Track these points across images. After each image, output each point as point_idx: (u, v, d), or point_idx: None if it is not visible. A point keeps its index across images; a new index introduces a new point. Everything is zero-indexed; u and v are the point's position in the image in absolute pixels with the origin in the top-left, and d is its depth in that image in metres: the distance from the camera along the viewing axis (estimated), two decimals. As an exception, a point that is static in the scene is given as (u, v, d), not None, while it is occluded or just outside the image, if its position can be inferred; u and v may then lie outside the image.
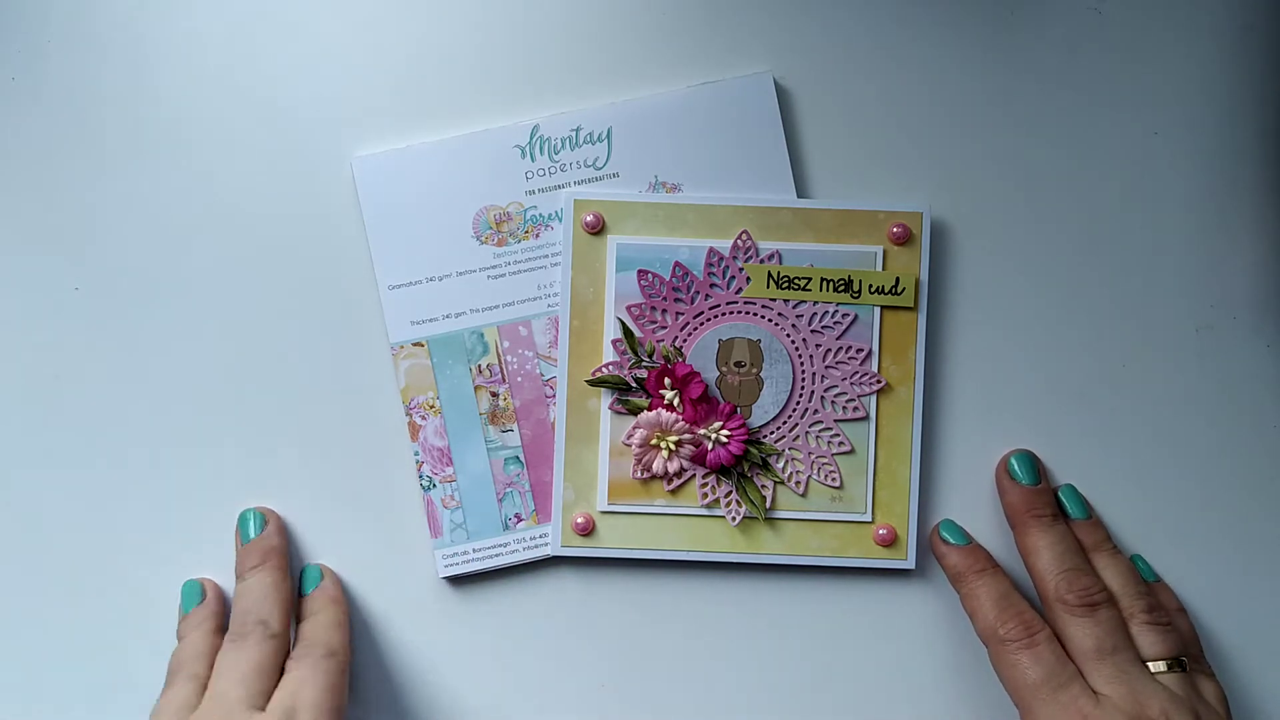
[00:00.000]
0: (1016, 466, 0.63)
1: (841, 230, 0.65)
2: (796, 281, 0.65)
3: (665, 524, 0.65)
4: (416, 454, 0.66)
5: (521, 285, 0.67)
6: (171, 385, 0.66)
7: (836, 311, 0.65)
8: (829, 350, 0.65)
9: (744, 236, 0.65)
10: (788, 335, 0.66)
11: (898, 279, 0.65)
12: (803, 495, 0.65)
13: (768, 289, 0.65)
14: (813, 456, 0.65)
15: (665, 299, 0.65)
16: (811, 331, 0.65)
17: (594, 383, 0.65)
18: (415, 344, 0.67)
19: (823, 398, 0.65)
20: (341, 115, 0.66)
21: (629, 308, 0.65)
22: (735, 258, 0.65)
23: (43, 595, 0.66)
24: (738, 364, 0.65)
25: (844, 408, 0.65)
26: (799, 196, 0.64)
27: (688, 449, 0.64)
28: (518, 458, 0.67)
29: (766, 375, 0.65)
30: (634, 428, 0.64)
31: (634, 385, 0.65)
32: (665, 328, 0.65)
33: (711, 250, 0.65)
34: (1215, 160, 0.66)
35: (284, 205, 0.66)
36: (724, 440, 0.64)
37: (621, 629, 0.66)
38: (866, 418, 0.66)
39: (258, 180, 0.66)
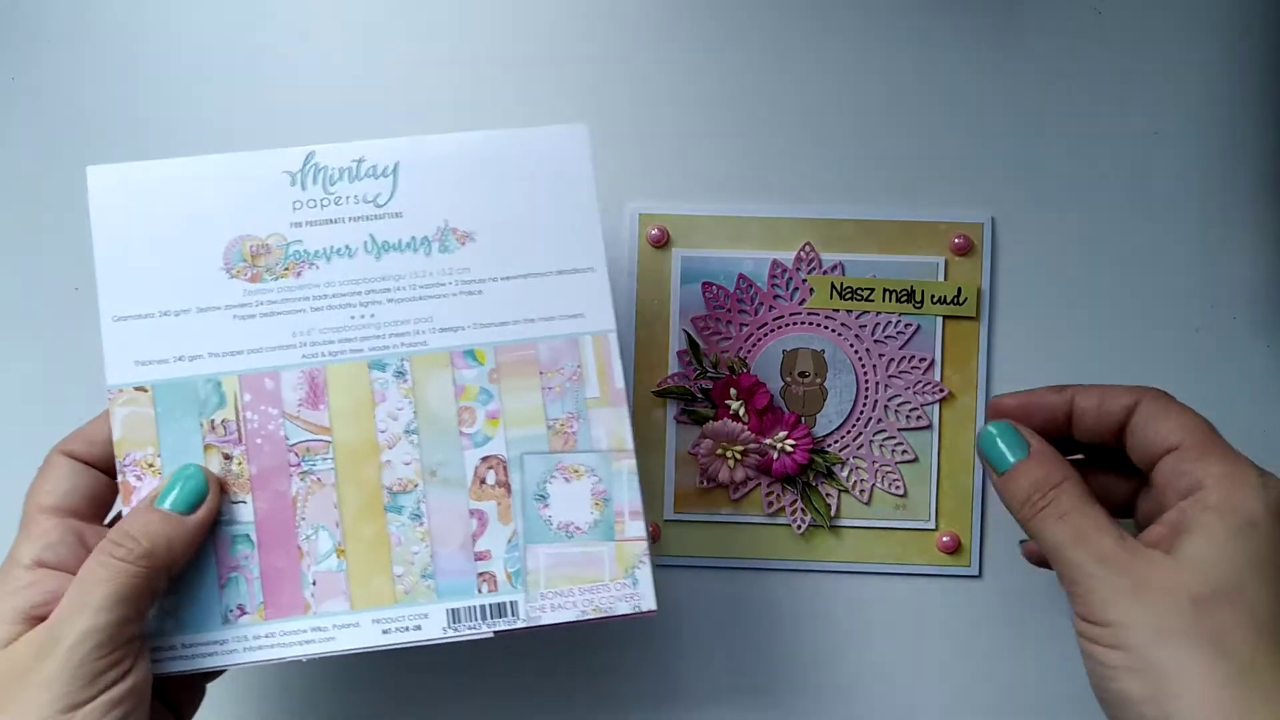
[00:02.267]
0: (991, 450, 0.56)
1: (904, 241, 0.67)
2: (859, 292, 0.67)
3: (730, 532, 0.66)
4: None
5: (274, 330, 0.57)
6: None
7: (899, 321, 0.67)
8: (892, 360, 0.67)
9: (807, 248, 0.67)
10: (851, 345, 0.67)
11: (959, 289, 0.67)
12: (867, 503, 0.67)
13: (831, 300, 0.66)
14: (876, 465, 0.67)
15: (730, 310, 0.67)
16: (875, 341, 0.67)
17: (660, 393, 0.67)
18: (138, 388, 0.57)
19: (886, 407, 0.67)
20: (346, 116, 0.68)
21: (694, 319, 0.67)
22: (799, 269, 0.66)
23: None
24: (802, 374, 0.67)
25: (907, 416, 0.67)
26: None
27: (753, 458, 0.66)
28: (249, 536, 0.56)
29: (830, 385, 0.67)
30: (700, 437, 0.66)
31: (699, 396, 0.67)
32: (730, 339, 0.67)
33: (775, 262, 0.66)
34: (1215, 160, 0.67)
35: None
36: (789, 449, 0.66)
37: (685, 634, 0.67)
38: (929, 426, 0.67)
39: None
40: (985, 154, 0.68)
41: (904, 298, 0.66)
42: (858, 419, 0.67)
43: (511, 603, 0.57)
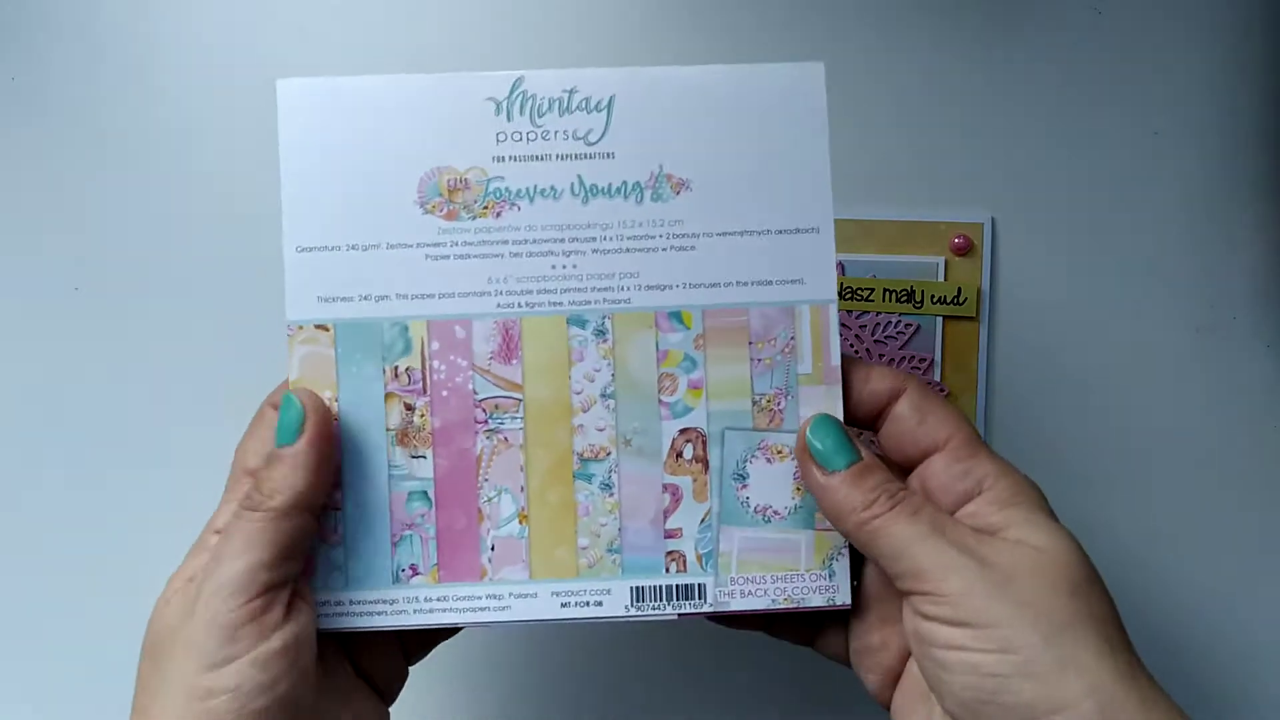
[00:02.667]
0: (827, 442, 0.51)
1: (904, 241, 0.66)
2: (860, 292, 0.67)
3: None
4: None
5: (468, 274, 0.53)
6: (171, 384, 0.67)
7: (899, 322, 0.66)
8: (892, 360, 0.66)
9: None
10: (851, 345, 0.66)
11: (959, 289, 0.66)
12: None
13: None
14: None
15: (734, 310, 0.59)
16: (875, 341, 0.67)
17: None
18: (319, 326, 0.53)
19: None
20: None
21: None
22: (801, 268, 0.57)
23: (42, 595, 0.67)
24: (803, 374, 0.62)
25: None
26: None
27: (756, 458, 0.59)
28: (426, 493, 0.53)
29: None
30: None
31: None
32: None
33: (778, 261, 0.58)
34: (1215, 160, 0.67)
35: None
36: (792, 449, 0.58)
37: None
38: None
39: (258, 180, 0.63)
40: (985, 154, 0.67)
41: (904, 298, 0.66)
42: None
43: (700, 585, 0.53)
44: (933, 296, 0.66)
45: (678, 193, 0.53)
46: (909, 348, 0.66)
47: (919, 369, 0.66)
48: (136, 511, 0.67)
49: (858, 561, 0.53)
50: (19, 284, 0.67)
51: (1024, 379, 0.67)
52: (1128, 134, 0.67)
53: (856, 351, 0.66)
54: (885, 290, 0.66)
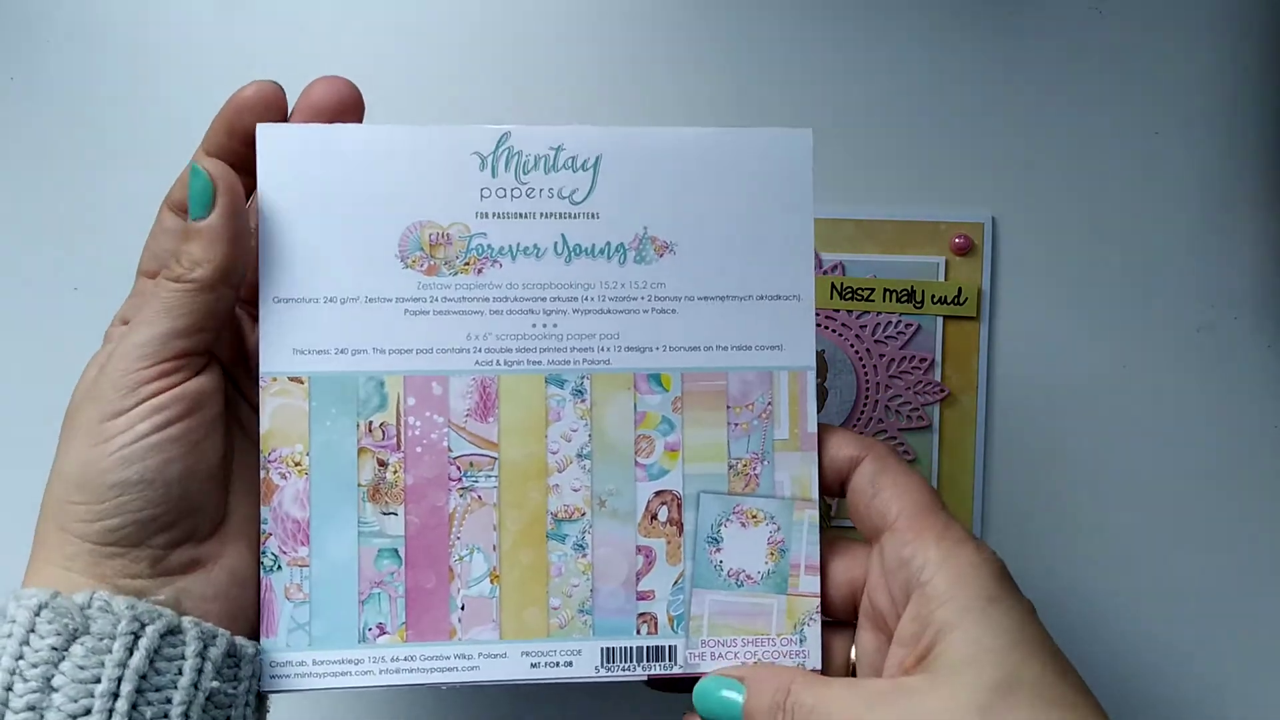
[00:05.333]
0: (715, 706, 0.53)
1: (904, 241, 0.66)
2: (860, 292, 0.66)
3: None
4: (265, 522, 0.51)
5: (447, 330, 0.53)
6: None
7: (899, 322, 0.66)
8: (892, 360, 0.66)
9: None
10: (851, 346, 0.66)
11: (960, 289, 0.66)
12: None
13: (831, 300, 0.63)
14: None
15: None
16: (875, 342, 0.66)
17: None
18: (293, 378, 0.52)
19: (886, 407, 0.66)
20: None
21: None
22: (800, 269, 0.58)
23: None
24: (803, 374, 0.62)
25: (908, 417, 0.66)
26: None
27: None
28: (396, 551, 0.52)
29: (831, 385, 0.66)
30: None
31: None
32: (733, 338, 0.60)
33: (777, 261, 0.58)
34: (1215, 160, 0.67)
35: None
36: (792, 450, 0.59)
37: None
38: (930, 426, 0.66)
39: None
40: (985, 154, 0.67)
41: (904, 298, 0.66)
42: (858, 419, 0.67)
43: (671, 647, 0.53)
44: (933, 296, 0.66)
45: (661, 255, 0.53)
46: (909, 348, 0.66)
47: (919, 369, 0.66)
48: None
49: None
50: (19, 284, 0.68)
51: (1024, 379, 0.67)
52: (1128, 134, 0.67)
53: (856, 351, 0.66)
54: (885, 290, 0.66)
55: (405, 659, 0.52)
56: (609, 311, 0.52)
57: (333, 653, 0.51)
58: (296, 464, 0.52)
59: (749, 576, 0.53)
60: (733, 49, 0.67)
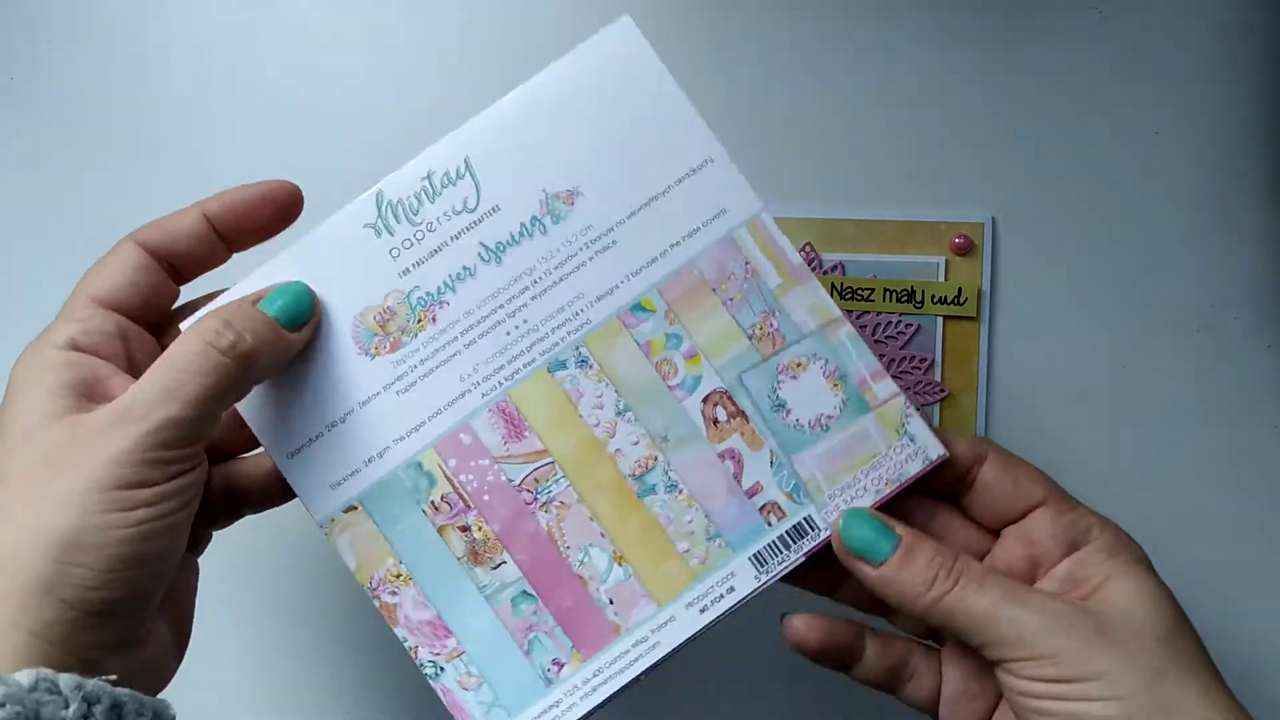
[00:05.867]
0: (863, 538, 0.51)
1: (904, 241, 0.66)
2: (860, 292, 0.67)
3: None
4: (405, 640, 0.52)
5: (441, 385, 0.53)
6: None
7: (900, 322, 0.66)
8: (892, 360, 0.66)
9: (807, 248, 0.66)
10: None
11: (960, 289, 0.66)
12: (870, 501, 0.59)
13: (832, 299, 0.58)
14: None
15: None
16: (875, 341, 0.66)
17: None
18: (347, 510, 0.53)
19: None
20: (345, 116, 0.68)
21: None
22: (801, 268, 0.58)
23: None
24: (804, 374, 0.63)
25: None
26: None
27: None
28: (525, 592, 0.53)
29: None
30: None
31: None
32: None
33: (778, 262, 0.58)
34: (1216, 160, 0.67)
35: None
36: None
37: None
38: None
39: (258, 179, 0.61)
40: (985, 154, 0.67)
41: (904, 298, 0.66)
42: None
43: (806, 518, 0.53)
44: (933, 296, 0.66)
45: (570, 204, 0.53)
46: (909, 348, 0.66)
47: (919, 369, 0.66)
48: None
49: None
50: (18, 284, 0.68)
51: (1024, 379, 0.67)
52: (1128, 134, 0.67)
53: None
54: (886, 290, 0.66)
55: (594, 675, 0.53)
56: (561, 280, 0.53)
57: (532, 709, 0.52)
58: (397, 576, 0.53)
59: (829, 417, 0.54)
60: (733, 49, 0.68)
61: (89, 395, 0.46)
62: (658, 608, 0.53)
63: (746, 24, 0.67)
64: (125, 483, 0.43)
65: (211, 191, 0.58)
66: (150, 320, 0.50)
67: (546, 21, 0.67)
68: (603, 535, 0.53)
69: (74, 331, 0.48)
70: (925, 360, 0.66)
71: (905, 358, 0.66)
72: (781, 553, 0.53)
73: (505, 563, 0.53)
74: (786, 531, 0.53)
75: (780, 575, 0.53)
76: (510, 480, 0.53)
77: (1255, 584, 0.66)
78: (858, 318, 0.66)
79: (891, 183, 0.67)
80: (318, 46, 0.67)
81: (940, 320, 0.66)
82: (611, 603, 0.52)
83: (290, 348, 0.50)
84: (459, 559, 0.53)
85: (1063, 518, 0.50)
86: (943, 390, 0.66)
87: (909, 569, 0.48)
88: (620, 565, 0.53)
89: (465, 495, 0.53)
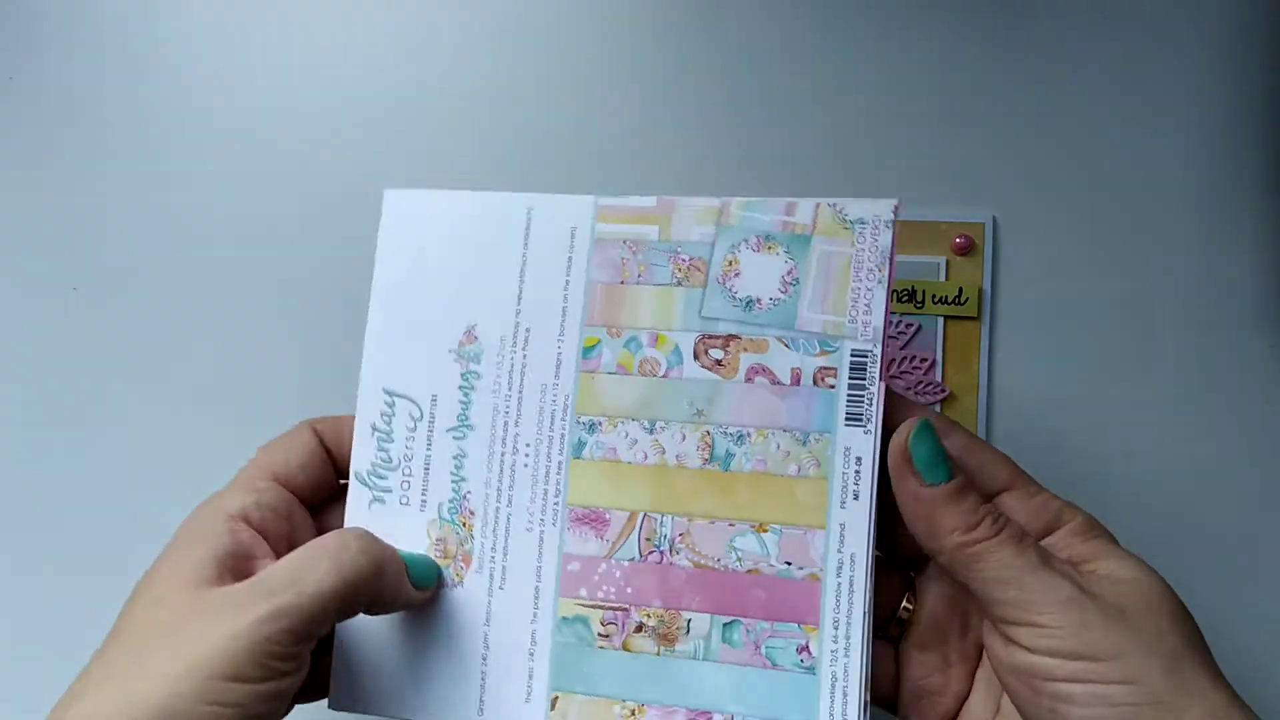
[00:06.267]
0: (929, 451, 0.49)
1: (904, 241, 0.65)
2: None
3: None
4: None
5: (521, 550, 0.56)
6: (170, 385, 0.68)
7: (900, 322, 0.65)
8: (893, 360, 0.65)
9: None
10: None
11: (960, 289, 0.65)
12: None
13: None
14: None
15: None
16: None
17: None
18: (552, 706, 0.55)
19: None
20: (344, 116, 0.68)
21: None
22: (800, 267, 0.60)
23: (41, 594, 0.67)
24: (805, 373, 0.62)
25: None
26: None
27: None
28: (725, 624, 0.54)
29: None
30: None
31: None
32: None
33: (777, 260, 0.60)
34: (1217, 159, 0.66)
35: (283, 205, 0.67)
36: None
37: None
38: None
39: (257, 179, 0.66)
40: (986, 154, 0.67)
41: (905, 298, 0.65)
42: None
43: (852, 354, 0.52)
44: (934, 296, 0.66)
45: (475, 338, 0.56)
46: (910, 347, 0.66)
47: (920, 369, 0.65)
48: (135, 511, 0.67)
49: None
50: (17, 284, 0.67)
51: (1025, 379, 0.66)
52: (1128, 134, 0.66)
53: None
54: None
55: (835, 628, 0.52)
56: (521, 390, 0.55)
57: (825, 703, 0.51)
58: (632, 714, 0.52)
59: (789, 270, 0.53)
60: (733, 50, 0.68)
61: (234, 569, 0.46)
62: (824, 531, 0.51)
63: (746, 24, 0.68)
64: (224, 673, 0.43)
65: (211, 191, 0.61)
66: (312, 505, 0.52)
67: (547, 21, 0.68)
68: (731, 525, 0.52)
69: (249, 503, 0.49)
70: (926, 360, 0.65)
71: (906, 358, 0.65)
72: (863, 396, 0.51)
73: (691, 619, 0.52)
74: (849, 380, 0.51)
75: (881, 413, 0.51)
76: (632, 559, 0.53)
77: (1255, 584, 0.65)
78: (858, 318, 0.63)
79: (892, 183, 0.67)
80: (317, 46, 0.68)
81: (941, 320, 0.66)
82: (789, 564, 0.51)
83: (410, 597, 0.50)
84: (656, 654, 0.52)
85: (1033, 500, 0.48)
86: (943, 390, 0.65)
87: (957, 504, 0.46)
88: (765, 532, 0.52)
89: (615, 604, 0.52)
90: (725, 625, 0.51)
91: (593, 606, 0.52)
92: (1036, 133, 0.66)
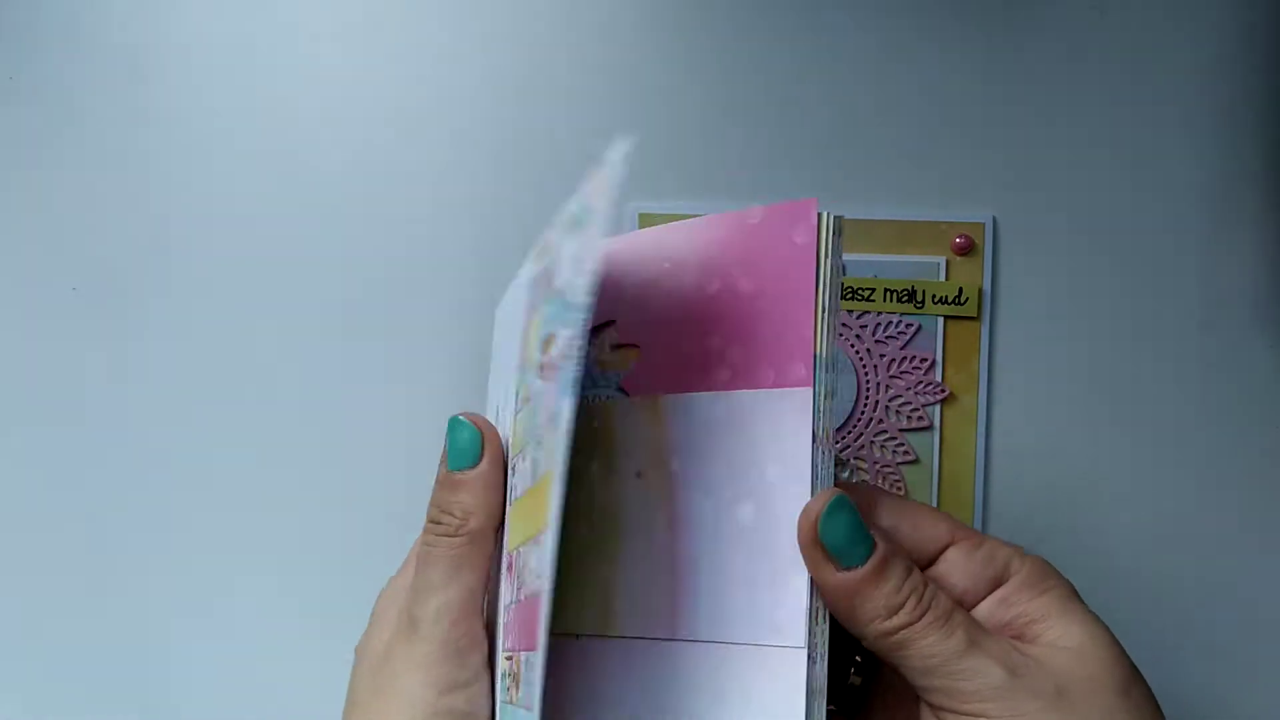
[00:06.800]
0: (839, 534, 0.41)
1: (904, 241, 0.64)
2: (861, 292, 0.64)
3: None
4: None
5: None
6: (170, 385, 0.66)
7: (900, 322, 0.63)
8: (893, 360, 0.63)
9: None
10: (852, 346, 0.64)
11: (961, 289, 0.63)
12: (869, 502, 0.57)
13: None
14: (878, 466, 0.64)
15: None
16: (876, 342, 0.64)
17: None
18: None
19: (887, 407, 0.64)
20: (344, 116, 0.66)
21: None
22: (801, 269, 0.60)
23: (40, 593, 0.66)
24: (805, 374, 0.63)
25: (908, 417, 0.64)
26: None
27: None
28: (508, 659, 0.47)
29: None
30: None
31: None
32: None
33: (777, 261, 0.60)
34: (1216, 159, 0.65)
35: (283, 206, 0.65)
36: (791, 448, 0.58)
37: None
38: (931, 427, 0.64)
39: (257, 179, 0.65)
40: (986, 154, 0.65)
41: (905, 298, 0.63)
42: (858, 420, 0.64)
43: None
44: (934, 296, 0.63)
45: None
46: (910, 348, 0.63)
47: (920, 369, 0.63)
48: (134, 511, 0.65)
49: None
50: (17, 284, 0.65)
51: (1025, 379, 0.64)
52: (1128, 134, 0.65)
53: (857, 352, 0.64)
54: (886, 290, 0.63)
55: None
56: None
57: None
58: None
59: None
60: (733, 50, 0.66)
61: None
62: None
63: (746, 24, 0.66)
64: (440, 683, 0.43)
65: (209, 190, 0.61)
66: None
67: (548, 21, 0.67)
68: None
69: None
70: (926, 360, 0.63)
71: (906, 358, 0.63)
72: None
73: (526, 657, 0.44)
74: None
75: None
76: (511, 602, 0.45)
77: (1255, 584, 0.63)
78: (858, 317, 0.63)
79: (892, 183, 0.64)
80: (318, 47, 0.66)
81: (941, 320, 0.63)
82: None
83: (477, 486, 0.45)
84: (514, 703, 0.42)
85: (977, 553, 0.43)
86: (943, 390, 0.63)
87: (877, 586, 0.40)
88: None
89: (510, 652, 0.44)
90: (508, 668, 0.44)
91: (508, 658, 0.47)
92: (1036, 133, 0.63)
